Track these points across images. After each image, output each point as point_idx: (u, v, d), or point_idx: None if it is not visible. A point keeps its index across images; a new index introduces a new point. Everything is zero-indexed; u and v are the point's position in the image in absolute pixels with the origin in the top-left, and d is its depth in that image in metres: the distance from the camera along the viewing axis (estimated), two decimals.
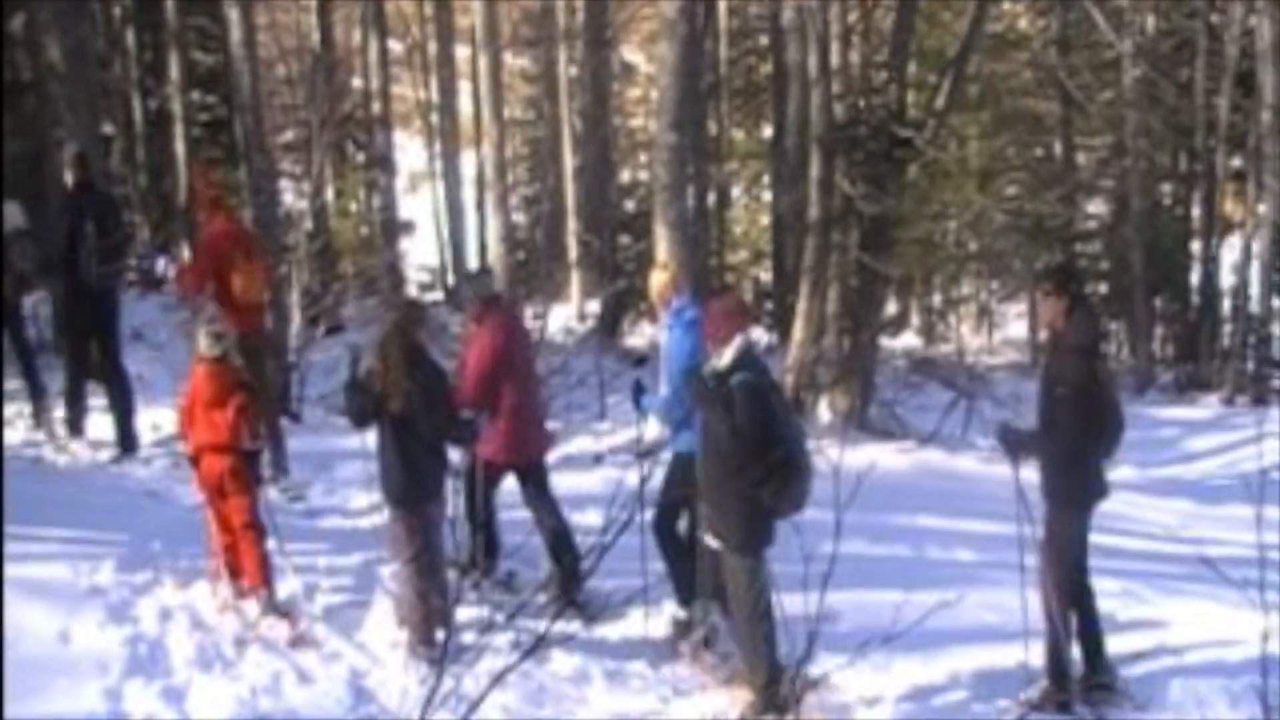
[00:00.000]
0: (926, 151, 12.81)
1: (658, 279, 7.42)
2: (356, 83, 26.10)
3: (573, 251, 20.99)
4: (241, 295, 8.92)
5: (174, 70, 19.92)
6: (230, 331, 6.91)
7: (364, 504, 8.48)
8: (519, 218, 28.82)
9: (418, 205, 30.02)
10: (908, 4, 13.58)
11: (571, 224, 21.32)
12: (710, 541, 6.36)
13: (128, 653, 6.08)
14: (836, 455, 6.66)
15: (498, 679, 3.76)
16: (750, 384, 6.02)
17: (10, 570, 6.56)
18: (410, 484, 6.56)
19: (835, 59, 13.36)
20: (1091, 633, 6.55)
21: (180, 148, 19.83)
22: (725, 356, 6.15)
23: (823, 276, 12.87)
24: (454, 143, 24.49)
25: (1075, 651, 6.49)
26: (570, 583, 7.24)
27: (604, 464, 10.69)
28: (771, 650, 6.21)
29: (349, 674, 6.32)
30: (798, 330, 12.89)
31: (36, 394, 9.66)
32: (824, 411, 12.88)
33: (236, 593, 6.75)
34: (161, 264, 18.36)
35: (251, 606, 6.67)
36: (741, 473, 5.98)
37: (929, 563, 9.26)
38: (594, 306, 21.28)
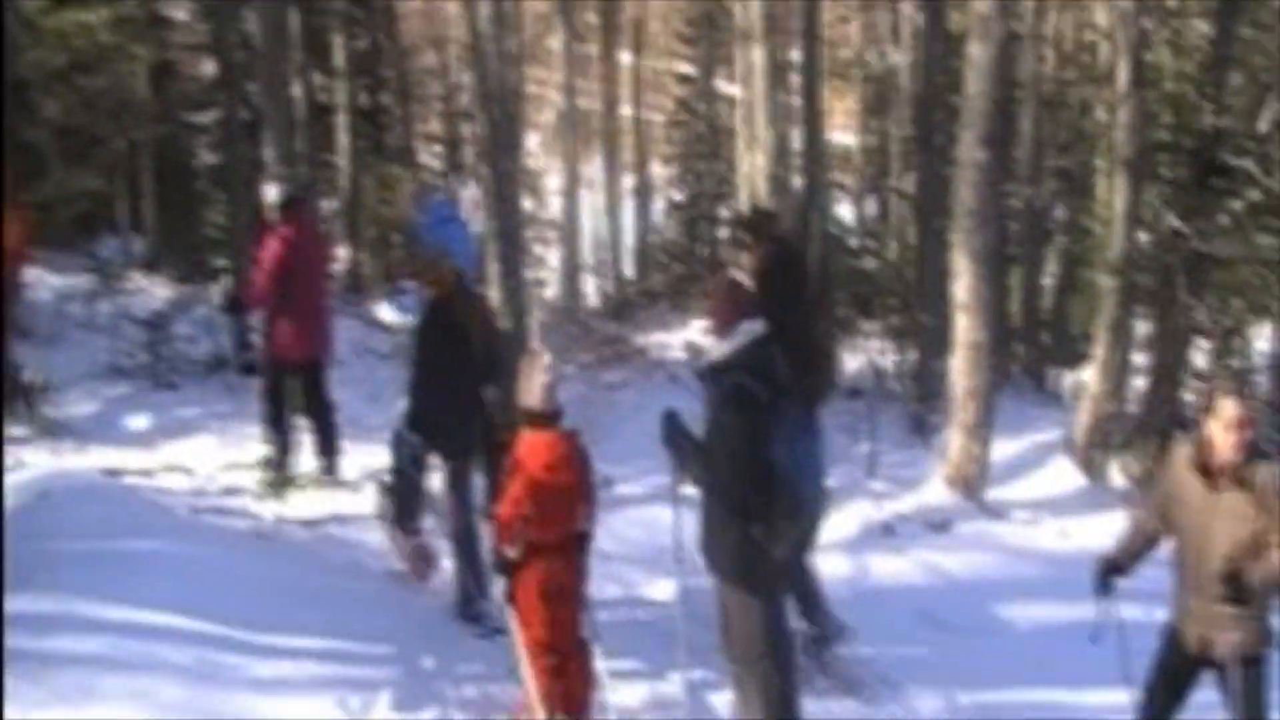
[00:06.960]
0: (1261, 181, 10.77)
1: None
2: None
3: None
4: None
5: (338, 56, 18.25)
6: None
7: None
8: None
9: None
10: (1230, 8, 11.44)
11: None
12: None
13: None
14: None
15: None
16: (745, 389, 4.68)
17: (270, 705, 4.86)
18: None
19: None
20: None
21: (344, 139, 18.16)
22: (723, 348, 4.84)
23: (1125, 322, 10.94)
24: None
25: None
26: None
27: (898, 536, 8.77)
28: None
29: None
30: (1094, 383, 10.93)
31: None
32: (1115, 475, 10.91)
33: None
34: None
35: None
36: (726, 490, 4.73)
37: None
38: None
